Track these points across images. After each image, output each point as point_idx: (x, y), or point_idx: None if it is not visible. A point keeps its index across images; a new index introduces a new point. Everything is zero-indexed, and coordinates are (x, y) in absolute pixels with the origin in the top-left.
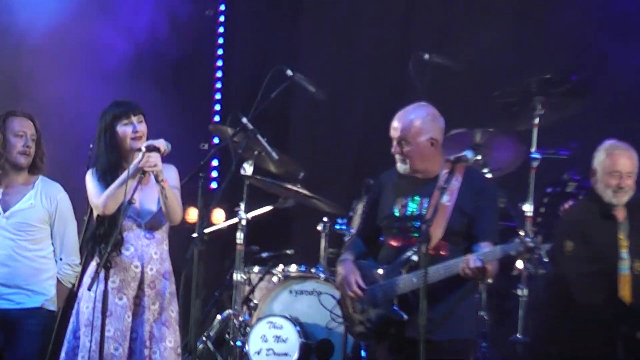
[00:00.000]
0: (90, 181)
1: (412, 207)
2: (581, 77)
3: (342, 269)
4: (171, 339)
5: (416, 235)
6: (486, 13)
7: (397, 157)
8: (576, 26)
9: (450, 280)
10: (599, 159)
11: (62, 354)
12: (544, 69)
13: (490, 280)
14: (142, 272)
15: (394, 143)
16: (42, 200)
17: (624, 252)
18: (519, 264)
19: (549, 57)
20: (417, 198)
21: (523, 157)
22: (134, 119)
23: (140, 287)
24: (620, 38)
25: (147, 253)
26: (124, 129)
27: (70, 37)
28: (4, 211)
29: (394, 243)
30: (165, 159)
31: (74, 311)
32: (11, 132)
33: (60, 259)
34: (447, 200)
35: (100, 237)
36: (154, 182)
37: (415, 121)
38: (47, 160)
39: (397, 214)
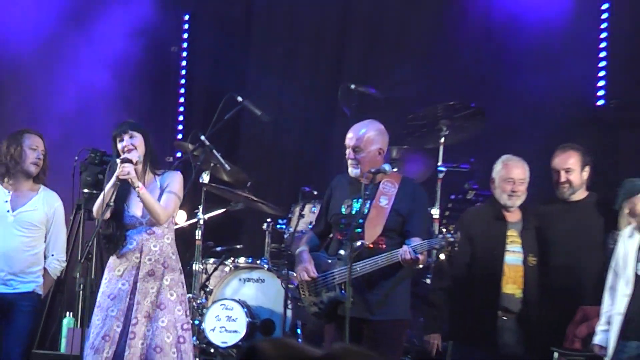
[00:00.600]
0: None
1: (356, 207)
2: (478, 104)
3: (299, 259)
4: (165, 319)
5: (359, 231)
6: (402, 50)
7: (350, 162)
8: (474, 61)
9: (387, 269)
10: (497, 169)
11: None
12: (448, 97)
13: (420, 266)
14: (140, 262)
15: (349, 150)
16: (44, 205)
17: (517, 247)
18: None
19: (452, 87)
20: (361, 200)
21: (431, 170)
22: (125, 136)
23: (139, 274)
24: (510, 71)
25: (147, 246)
26: (120, 146)
27: (50, 54)
28: (13, 210)
29: (340, 237)
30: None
31: None
32: (27, 146)
33: (52, 255)
34: (386, 203)
35: (106, 237)
36: (155, 186)
37: (367, 133)
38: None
39: (343, 212)
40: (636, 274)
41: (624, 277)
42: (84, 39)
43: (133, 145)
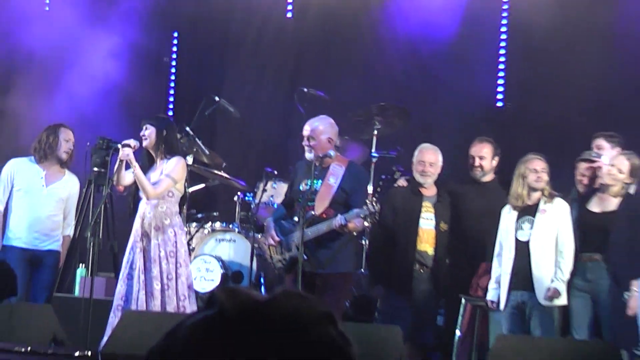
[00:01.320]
0: None
1: (310, 185)
2: (404, 105)
3: (266, 228)
4: (154, 271)
5: (312, 203)
6: (345, 62)
7: (306, 148)
8: (401, 71)
9: (334, 233)
10: (415, 154)
11: None
12: (381, 99)
13: (355, 232)
14: (142, 224)
15: (305, 139)
16: (68, 185)
17: (430, 215)
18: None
19: (384, 91)
20: (315, 180)
21: (367, 156)
22: (143, 127)
23: (137, 235)
24: (431, 77)
25: (143, 212)
26: (140, 135)
27: (65, 58)
28: (46, 185)
29: (299, 209)
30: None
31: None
32: (62, 138)
33: (65, 221)
34: (334, 182)
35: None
36: (160, 168)
37: (319, 125)
38: None
39: (301, 189)
40: (516, 239)
41: (507, 244)
42: (92, 49)
43: (145, 135)
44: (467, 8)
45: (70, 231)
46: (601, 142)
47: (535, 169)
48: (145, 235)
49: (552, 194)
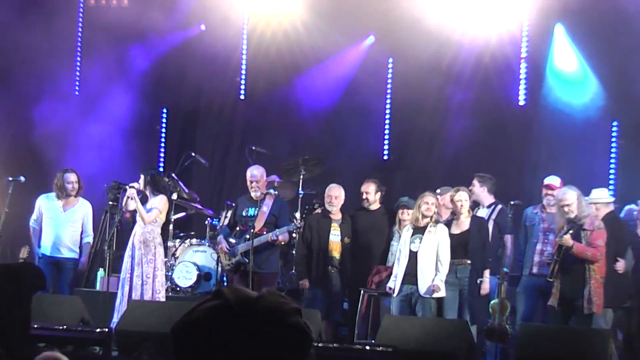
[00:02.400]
0: None
1: (251, 211)
2: (320, 156)
3: (218, 242)
4: (138, 272)
5: (250, 224)
6: (280, 128)
7: (254, 188)
8: (319, 131)
9: (267, 244)
10: (326, 191)
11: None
12: (304, 152)
13: (283, 243)
14: (133, 239)
15: (254, 183)
16: (81, 209)
17: (337, 232)
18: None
19: (306, 147)
20: (253, 207)
21: (295, 193)
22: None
23: (131, 247)
24: (336, 134)
25: (135, 231)
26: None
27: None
28: (64, 211)
29: (241, 228)
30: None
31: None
32: (65, 180)
33: (88, 235)
34: (266, 210)
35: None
36: (150, 202)
37: (261, 173)
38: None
39: (243, 214)
40: (410, 250)
41: (404, 251)
42: (100, 116)
43: (139, 180)
44: (354, 84)
45: (89, 239)
46: (474, 181)
47: (427, 202)
48: (133, 247)
49: (437, 221)
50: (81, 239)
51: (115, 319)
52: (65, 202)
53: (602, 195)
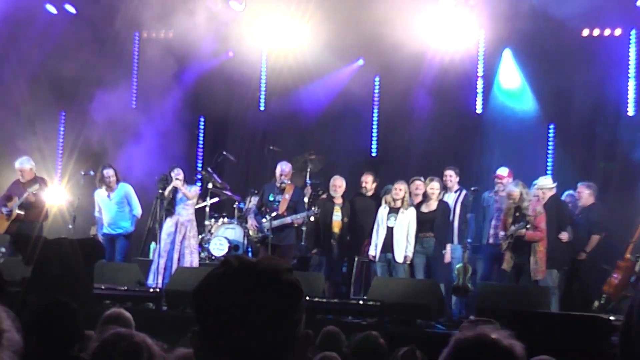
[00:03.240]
0: None
1: (276, 197)
2: (323, 154)
3: (250, 219)
4: (186, 244)
5: (276, 206)
6: (290, 130)
7: (281, 180)
8: (318, 133)
9: (287, 225)
10: (330, 181)
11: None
12: (312, 150)
13: (297, 224)
14: (178, 221)
15: (282, 176)
16: (121, 191)
17: (339, 213)
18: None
19: (312, 145)
20: (279, 195)
21: (304, 182)
22: (176, 171)
23: (177, 225)
24: (333, 136)
25: (180, 212)
26: (174, 173)
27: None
28: (110, 198)
29: (267, 210)
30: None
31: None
32: (105, 175)
33: (134, 213)
34: (287, 197)
35: (167, 209)
36: (186, 189)
37: (285, 168)
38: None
39: (270, 199)
40: (387, 225)
41: (382, 227)
42: (152, 123)
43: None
44: (348, 96)
45: (136, 212)
46: (449, 171)
47: (397, 188)
48: (182, 225)
49: (407, 204)
50: (132, 214)
51: (151, 281)
52: (109, 189)
53: (547, 182)
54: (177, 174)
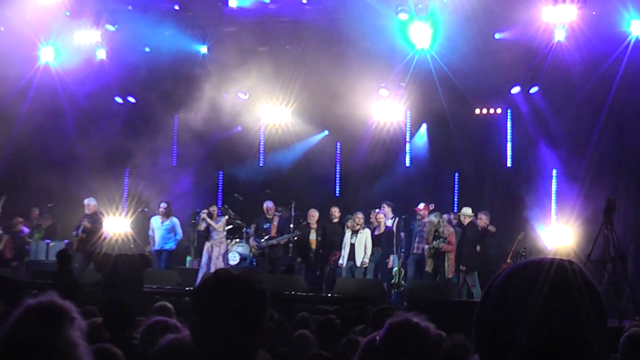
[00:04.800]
0: None
1: (267, 225)
2: (301, 197)
3: (252, 241)
4: (215, 259)
5: (268, 231)
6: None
7: (269, 213)
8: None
9: (276, 243)
10: (308, 212)
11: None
12: (296, 195)
13: (283, 242)
14: (211, 243)
15: (270, 210)
16: (170, 222)
17: (314, 234)
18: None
19: (296, 191)
20: (269, 223)
21: (289, 214)
22: (211, 208)
23: (211, 245)
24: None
25: (211, 237)
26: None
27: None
28: (162, 224)
29: (262, 234)
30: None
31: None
32: (160, 207)
33: (177, 236)
34: (275, 224)
35: (205, 236)
36: (216, 221)
37: (272, 205)
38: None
39: (264, 226)
40: (350, 242)
41: (347, 243)
42: (186, 176)
43: (210, 210)
44: (318, 155)
45: (179, 237)
46: (386, 206)
47: (357, 217)
48: (211, 247)
49: (363, 227)
50: (175, 238)
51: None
52: (162, 219)
53: (468, 211)
54: (208, 212)
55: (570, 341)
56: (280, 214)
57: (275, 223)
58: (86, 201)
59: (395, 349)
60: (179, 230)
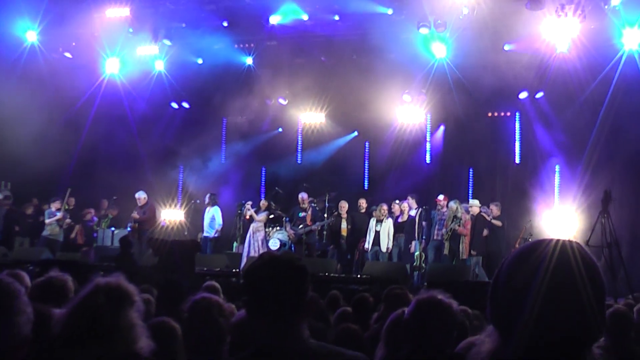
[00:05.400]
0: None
1: (302, 214)
2: (335, 190)
3: (289, 229)
4: (256, 245)
5: (304, 220)
6: (315, 175)
7: (304, 203)
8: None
9: (312, 230)
10: (339, 204)
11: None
12: (330, 189)
13: (316, 230)
14: (252, 229)
15: (305, 201)
16: (211, 212)
17: (345, 223)
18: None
19: (330, 185)
20: (303, 212)
21: (324, 205)
22: (248, 204)
23: (252, 231)
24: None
25: (252, 225)
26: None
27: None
28: (206, 212)
29: (298, 222)
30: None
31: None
32: (205, 199)
33: (218, 223)
34: (309, 213)
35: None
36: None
37: (307, 196)
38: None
39: (300, 215)
40: (375, 230)
41: (373, 231)
42: (234, 173)
43: (250, 204)
44: (350, 155)
45: (218, 225)
46: (412, 199)
47: (382, 208)
48: (254, 234)
49: (387, 217)
50: (214, 226)
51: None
52: (207, 209)
53: (476, 202)
54: (251, 206)
55: (572, 311)
56: (315, 205)
57: (309, 212)
58: (137, 195)
59: (423, 323)
60: (218, 219)
